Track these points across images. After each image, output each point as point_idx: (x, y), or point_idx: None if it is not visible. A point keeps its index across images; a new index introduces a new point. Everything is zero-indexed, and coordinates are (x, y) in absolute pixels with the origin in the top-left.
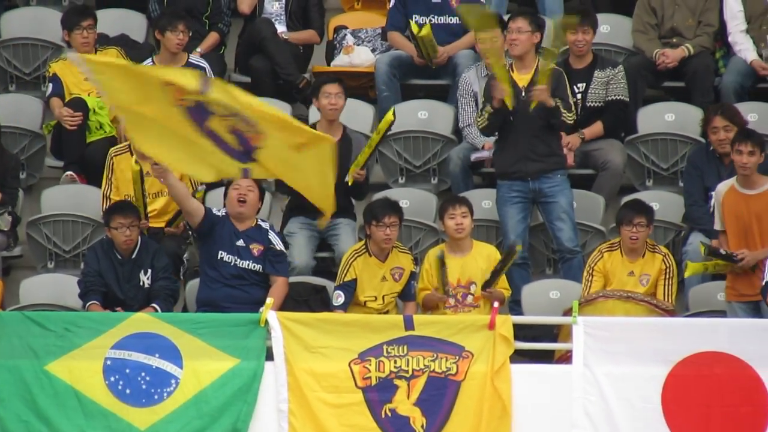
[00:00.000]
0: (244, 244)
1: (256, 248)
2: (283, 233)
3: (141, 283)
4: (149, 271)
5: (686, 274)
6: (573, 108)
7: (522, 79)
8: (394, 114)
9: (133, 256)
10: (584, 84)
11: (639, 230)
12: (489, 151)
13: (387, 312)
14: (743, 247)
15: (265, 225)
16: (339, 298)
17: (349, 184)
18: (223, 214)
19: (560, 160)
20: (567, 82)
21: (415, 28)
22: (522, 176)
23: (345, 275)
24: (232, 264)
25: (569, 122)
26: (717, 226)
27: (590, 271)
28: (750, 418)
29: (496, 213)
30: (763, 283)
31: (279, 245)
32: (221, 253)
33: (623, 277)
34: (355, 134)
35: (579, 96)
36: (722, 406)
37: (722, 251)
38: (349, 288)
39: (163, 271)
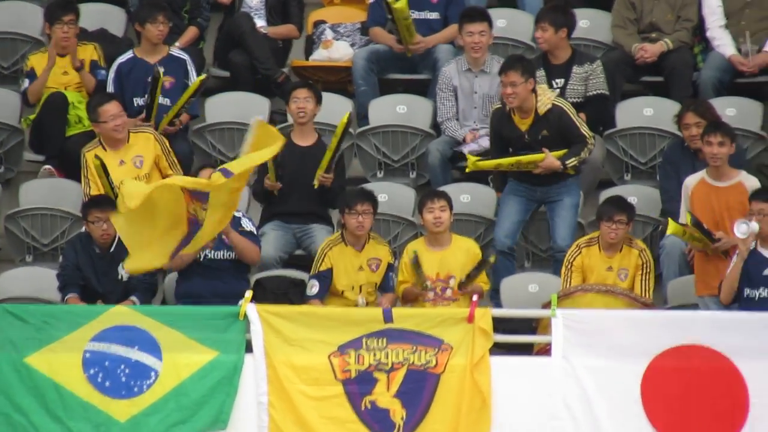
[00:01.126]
0: (216, 237)
1: None
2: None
3: (119, 277)
4: (126, 270)
5: (668, 232)
6: (586, 138)
7: (524, 123)
8: (349, 117)
9: (111, 249)
10: (563, 79)
11: (619, 227)
12: (476, 143)
13: (367, 304)
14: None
15: (237, 213)
16: (313, 288)
17: (315, 186)
18: None
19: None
20: (570, 114)
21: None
22: (534, 183)
23: (320, 264)
24: (202, 257)
25: (589, 150)
26: (681, 219)
27: (569, 267)
28: (729, 410)
29: (474, 207)
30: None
31: (249, 226)
32: None
33: (602, 272)
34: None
35: (558, 91)
36: (701, 398)
37: (705, 226)
38: (324, 278)
39: None
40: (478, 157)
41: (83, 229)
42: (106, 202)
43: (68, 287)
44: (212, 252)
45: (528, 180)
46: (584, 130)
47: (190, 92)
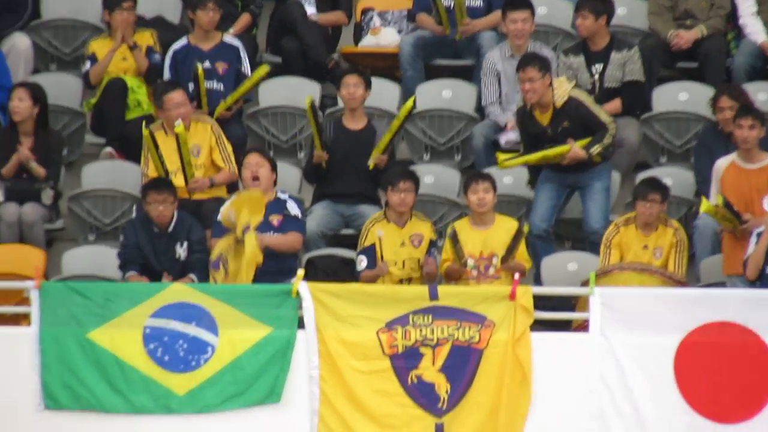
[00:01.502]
0: (262, 220)
1: (275, 219)
2: (306, 213)
3: (177, 256)
4: (185, 243)
5: (700, 210)
6: (607, 124)
7: (544, 117)
8: (414, 102)
9: (170, 229)
10: (602, 65)
11: (653, 206)
12: (514, 132)
13: (410, 279)
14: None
15: (283, 196)
16: (362, 262)
17: (370, 167)
18: None
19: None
20: (587, 104)
21: None
22: (565, 171)
23: (365, 240)
24: None
25: (612, 136)
26: (712, 201)
27: (607, 245)
28: (757, 384)
29: (516, 188)
30: (746, 257)
31: (294, 211)
32: None
33: (638, 250)
34: (379, 124)
35: (597, 76)
36: (731, 372)
37: (734, 207)
38: (371, 252)
39: (198, 244)
40: (508, 155)
41: (143, 209)
42: (164, 185)
43: (128, 265)
44: (260, 234)
45: (559, 168)
46: (603, 117)
47: (252, 82)
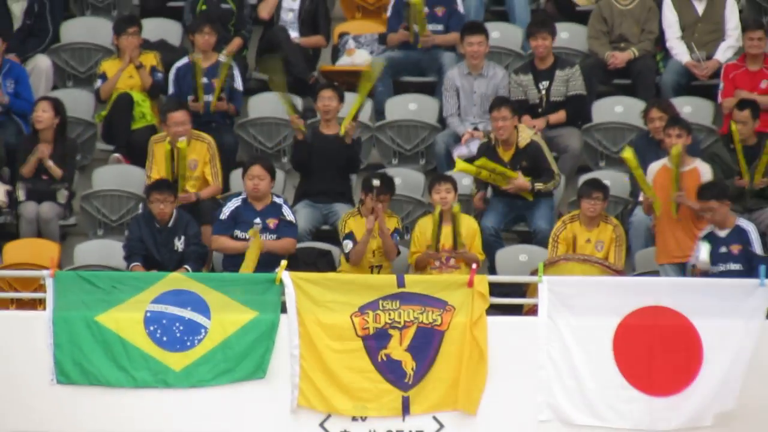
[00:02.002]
0: (260, 222)
1: (272, 222)
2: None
3: (175, 248)
4: (182, 237)
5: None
6: (555, 174)
7: (506, 154)
8: (373, 65)
9: (169, 224)
10: (548, 81)
11: (596, 203)
12: (467, 147)
13: (380, 265)
14: (671, 218)
15: (278, 200)
16: (348, 245)
17: (341, 134)
18: (244, 196)
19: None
20: (545, 150)
21: None
22: (514, 197)
23: (344, 230)
24: (246, 239)
25: (555, 184)
26: (640, 198)
27: (555, 239)
28: (686, 362)
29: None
30: (690, 265)
31: (289, 216)
32: (236, 232)
33: (582, 243)
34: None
35: (544, 92)
36: (663, 351)
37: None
38: (352, 236)
39: (194, 238)
40: (464, 163)
41: (146, 207)
42: (165, 186)
43: (133, 257)
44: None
45: (508, 196)
46: (554, 167)
47: (224, 72)
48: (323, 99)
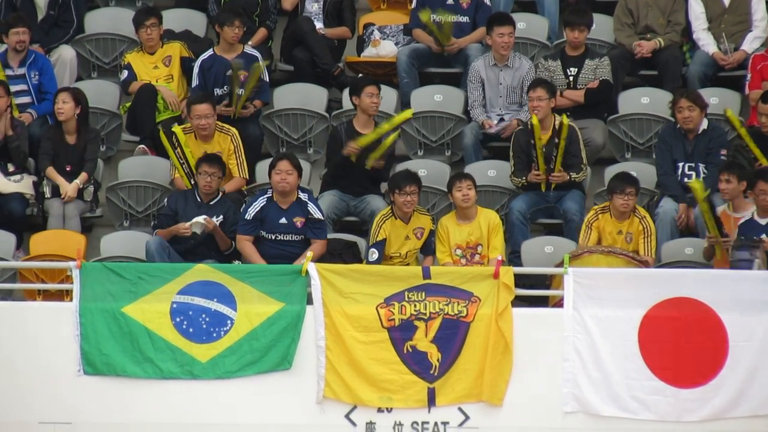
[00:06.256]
0: (286, 221)
1: (299, 221)
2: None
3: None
4: (221, 217)
5: (691, 183)
6: (583, 165)
7: (543, 137)
8: (413, 114)
9: (212, 203)
10: (576, 69)
11: (629, 198)
12: (495, 128)
13: (408, 264)
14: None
15: (304, 197)
16: (374, 254)
17: (368, 167)
18: (269, 194)
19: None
20: (579, 138)
21: (425, 16)
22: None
23: (377, 236)
24: (272, 239)
25: (583, 175)
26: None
27: (589, 226)
28: (711, 353)
29: (499, 180)
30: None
31: (317, 214)
32: (261, 232)
33: (613, 235)
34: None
35: (571, 78)
36: (688, 342)
37: (718, 214)
38: (381, 246)
39: (230, 225)
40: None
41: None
42: (215, 161)
43: (157, 228)
44: (282, 235)
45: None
46: (583, 156)
47: (253, 81)
48: (372, 95)
